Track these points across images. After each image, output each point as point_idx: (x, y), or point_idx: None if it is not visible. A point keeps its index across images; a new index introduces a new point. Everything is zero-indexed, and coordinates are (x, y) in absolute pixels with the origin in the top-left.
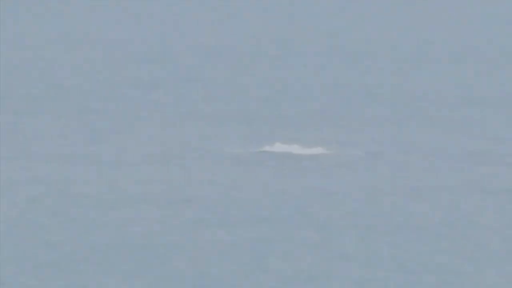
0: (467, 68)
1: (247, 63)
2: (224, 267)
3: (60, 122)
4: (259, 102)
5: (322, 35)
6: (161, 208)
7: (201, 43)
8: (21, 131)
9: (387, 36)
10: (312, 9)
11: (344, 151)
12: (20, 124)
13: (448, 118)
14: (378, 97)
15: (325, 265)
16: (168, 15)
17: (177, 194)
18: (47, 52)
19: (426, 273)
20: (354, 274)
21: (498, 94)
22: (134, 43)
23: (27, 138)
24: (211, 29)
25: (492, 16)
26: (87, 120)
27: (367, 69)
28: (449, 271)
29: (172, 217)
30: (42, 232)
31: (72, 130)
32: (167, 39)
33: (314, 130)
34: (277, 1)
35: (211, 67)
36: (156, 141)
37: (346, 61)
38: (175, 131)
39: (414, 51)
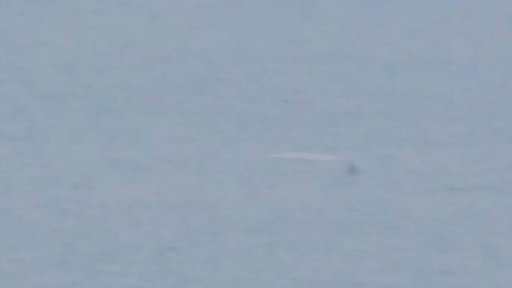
0: (481, 69)
1: (257, 65)
2: (238, 271)
3: (73, 123)
4: (270, 106)
5: (329, 37)
6: (175, 211)
7: (212, 44)
8: (35, 134)
9: (396, 38)
10: (320, 11)
11: (353, 155)
12: (32, 127)
13: (459, 119)
14: (387, 99)
15: (338, 269)
16: (181, 15)
17: (191, 198)
18: (58, 51)
19: (439, 276)
20: (369, 278)
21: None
22: (148, 43)
23: (39, 140)
24: (219, 30)
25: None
26: (100, 121)
27: (377, 71)
28: (461, 273)
29: (186, 220)
30: (56, 234)
31: (85, 131)
32: (179, 40)
33: (323, 135)
34: (289, 2)
35: (222, 69)
36: (167, 144)
37: (355, 64)
38: (185, 134)
39: (424, 53)
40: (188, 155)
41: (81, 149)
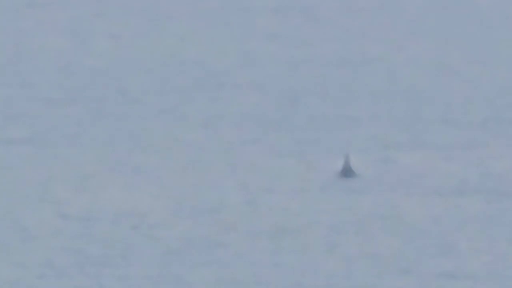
0: (481, 73)
1: (257, 69)
2: (238, 274)
3: (74, 127)
4: (270, 110)
5: (329, 40)
6: (175, 215)
7: (212, 48)
8: (36, 137)
9: (396, 42)
10: (320, 15)
11: (352, 159)
12: (33, 130)
13: (459, 123)
14: (386, 103)
15: (339, 272)
16: (180, 19)
17: (191, 201)
18: (58, 55)
19: (440, 279)
20: (371, 281)
21: None
22: (148, 46)
23: (40, 144)
24: (218, 34)
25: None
26: (100, 125)
27: (376, 75)
28: (462, 277)
29: (187, 224)
30: (57, 238)
31: (86, 135)
32: (178, 44)
33: (322, 138)
34: (289, 6)
35: (221, 72)
36: (167, 148)
37: (355, 67)
38: (185, 138)
39: (424, 57)
40: (188, 159)
41: (82, 153)
